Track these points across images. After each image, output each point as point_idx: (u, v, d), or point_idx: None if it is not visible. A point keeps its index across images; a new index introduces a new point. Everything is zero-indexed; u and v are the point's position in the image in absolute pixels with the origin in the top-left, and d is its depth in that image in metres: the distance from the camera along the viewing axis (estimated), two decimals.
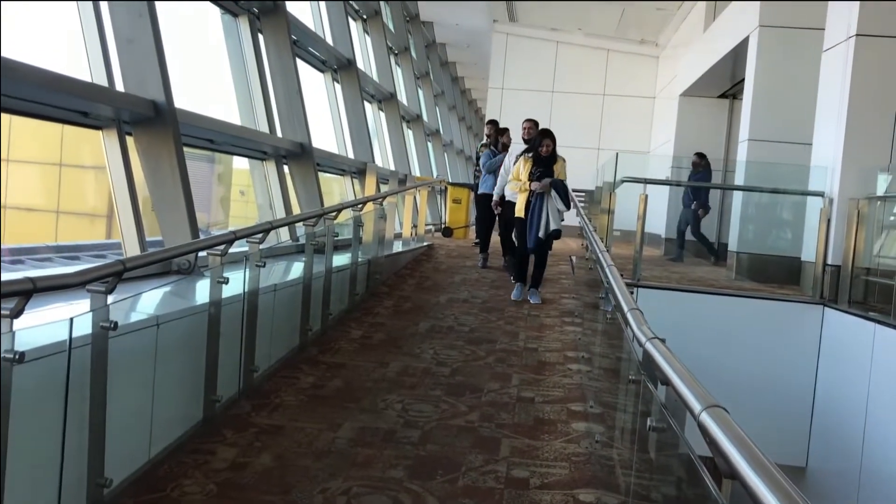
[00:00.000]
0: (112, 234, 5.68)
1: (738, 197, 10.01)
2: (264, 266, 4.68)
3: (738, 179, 10.33)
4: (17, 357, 2.49)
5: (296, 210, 8.08)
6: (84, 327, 2.96)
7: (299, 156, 8.28)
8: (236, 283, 4.37)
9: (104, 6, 5.06)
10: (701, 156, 11.89)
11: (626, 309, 3.01)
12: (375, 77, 13.96)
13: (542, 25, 19.14)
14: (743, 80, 10.99)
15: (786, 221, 9.53)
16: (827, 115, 7.92)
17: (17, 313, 2.52)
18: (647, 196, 7.89)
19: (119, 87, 5.12)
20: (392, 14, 16.57)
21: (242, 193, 9.15)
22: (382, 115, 14.53)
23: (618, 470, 3.81)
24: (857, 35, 7.42)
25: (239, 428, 4.10)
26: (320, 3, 11.00)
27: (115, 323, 3.05)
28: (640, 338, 2.54)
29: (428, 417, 4.43)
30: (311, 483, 3.50)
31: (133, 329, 3.43)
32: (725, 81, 13.51)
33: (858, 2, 7.44)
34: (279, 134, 8.10)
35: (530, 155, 7.47)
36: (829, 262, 7.54)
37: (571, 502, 3.44)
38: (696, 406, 1.69)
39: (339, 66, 11.20)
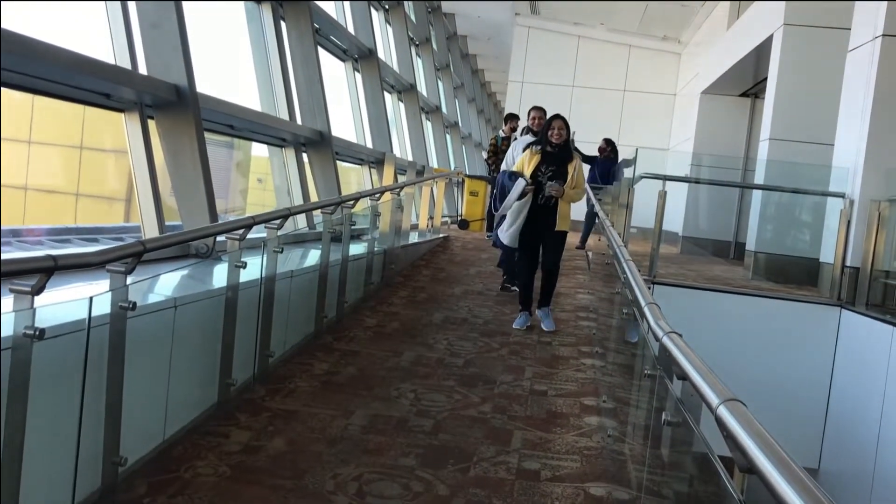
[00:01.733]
0: (131, 218, 5.72)
1: (757, 196, 9.93)
2: (282, 252, 4.69)
3: (759, 178, 10.25)
4: (37, 333, 2.51)
5: (313, 198, 8.10)
6: (103, 307, 2.98)
7: (318, 144, 8.30)
8: (254, 268, 4.39)
9: None
10: (608, 141, 11.77)
11: (643, 303, 3.00)
12: (396, 67, 13.96)
13: (565, 19, 19.05)
14: (765, 78, 10.90)
15: (805, 222, 9.45)
16: (850, 115, 7.84)
17: (38, 290, 2.54)
18: (665, 193, 7.84)
19: (142, 70, 5.15)
20: (414, 4, 16.55)
21: (260, 181, 9.19)
22: (402, 105, 14.53)
23: (630, 465, 3.80)
24: (883, 35, 7.33)
25: (253, 412, 4.12)
26: None
27: (134, 303, 3.07)
28: (658, 332, 2.53)
29: (441, 407, 4.43)
30: (323, 468, 3.51)
31: (151, 310, 3.45)
32: (748, 80, 13.40)
33: (886, 1, 7.34)
34: (299, 121, 8.12)
35: (538, 148, 6.31)
36: (848, 263, 7.47)
37: (582, 496, 3.43)
38: (713, 400, 1.68)
39: (360, 55, 11.21)
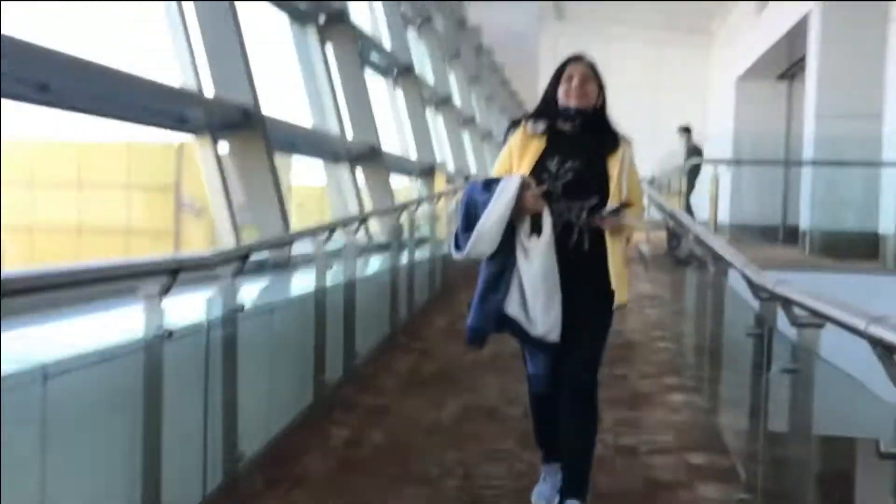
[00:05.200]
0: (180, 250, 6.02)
1: (806, 175, 9.88)
2: (360, 256, 4.84)
3: (807, 157, 10.18)
4: (167, 334, 2.64)
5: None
6: (216, 310, 3.13)
7: (370, 158, 8.46)
8: (334, 274, 4.54)
9: (187, 5, 5.21)
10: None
11: (738, 265, 3.04)
12: (431, 82, 14.13)
13: (591, 22, 19.12)
14: (801, 59, 10.86)
15: (858, 195, 9.34)
16: None
17: (165, 290, 2.66)
18: (718, 177, 7.88)
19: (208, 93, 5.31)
20: (443, 20, 16.72)
21: (301, 206, 9.37)
22: (440, 118, 14.68)
23: (726, 435, 3.84)
24: None
25: (348, 408, 4.25)
26: (375, 2, 11.14)
27: (243, 306, 3.21)
28: (766, 285, 2.56)
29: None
30: (427, 456, 3.61)
31: (254, 314, 3.58)
32: (783, 62, 13.35)
33: None
34: (349, 138, 8.28)
35: (542, 126, 2.91)
36: None
37: (683, 465, 3.49)
38: (860, 323, 1.65)
39: (400, 71, 11.39)
